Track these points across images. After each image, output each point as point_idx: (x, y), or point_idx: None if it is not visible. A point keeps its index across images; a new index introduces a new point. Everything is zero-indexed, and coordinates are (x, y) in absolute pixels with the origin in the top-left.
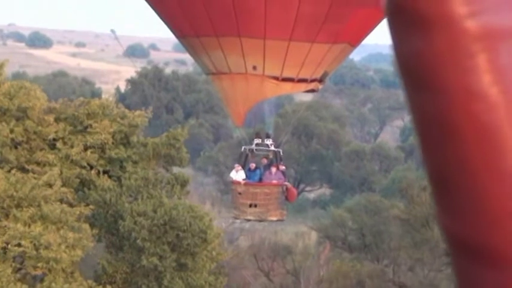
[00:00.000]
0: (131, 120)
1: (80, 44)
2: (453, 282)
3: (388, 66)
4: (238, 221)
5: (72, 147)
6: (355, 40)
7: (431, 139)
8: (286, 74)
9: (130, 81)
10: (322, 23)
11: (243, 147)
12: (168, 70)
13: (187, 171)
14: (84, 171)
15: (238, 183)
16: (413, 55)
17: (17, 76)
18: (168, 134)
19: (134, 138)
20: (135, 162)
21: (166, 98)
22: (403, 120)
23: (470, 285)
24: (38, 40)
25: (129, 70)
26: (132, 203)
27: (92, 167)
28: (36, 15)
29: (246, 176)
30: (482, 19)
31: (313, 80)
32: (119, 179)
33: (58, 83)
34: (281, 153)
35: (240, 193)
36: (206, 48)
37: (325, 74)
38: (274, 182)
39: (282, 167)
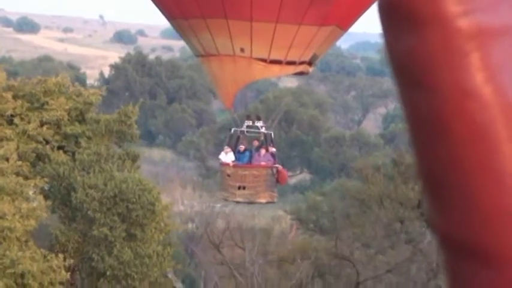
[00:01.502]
0: (86, 98)
1: (67, 29)
2: (444, 282)
3: (375, 55)
4: (218, 205)
5: (29, 123)
6: (344, 23)
7: (424, 138)
8: (274, 56)
9: (114, 67)
10: (309, 5)
11: (232, 129)
12: (154, 56)
13: (169, 155)
14: (40, 146)
15: (227, 165)
16: (406, 53)
17: (3, 61)
18: (120, 111)
19: (89, 115)
20: (89, 138)
21: (149, 83)
22: (386, 107)
23: (464, 286)
24: (26, 25)
25: (116, 56)
26: (84, 177)
27: (47, 142)
28: (24, 0)
29: (236, 158)
30: (476, 18)
31: (302, 63)
32: (73, 154)
33: (43, 67)
34: (272, 135)
35: (228, 175)
36: (194, 30)
37: (314, 57)
38: (263, 163)
39: (272, 149)
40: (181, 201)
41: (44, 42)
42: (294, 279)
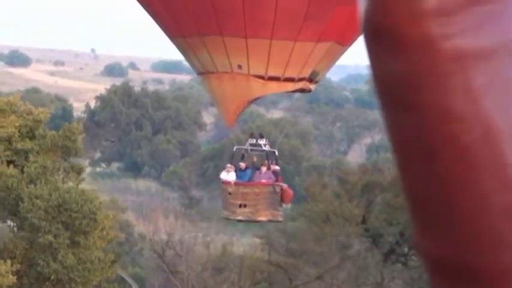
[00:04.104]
0: (35, 116)
1: (58, 63)
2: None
3: (364, 86)
4: (200, 234)
5: None
6: (343, 39)
7: (409, 159)
8: (271, 73)
9: (100, 98)
10: (303, 21)
11: (235, 147)
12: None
13: (154, 186)
14: None
15: (229, 183)
16: (391, 76)
17: None
18: (65, 127)
19: (38, 132)
20: (37, 153)
21: (135, 114)
22: (372, 138)
23: None
24: (17, 58)
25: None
26: (31, 188)
27: None
28: (17, 34)
29: (237, 176)
30: (460, 40)
31: (300, 79)
32: (22, 167)
33: (30, 99)
34: (276, 153)
35: (230, 193)
36: (193, 48)
37: (314, 73)
38: (264, 181)
39: (275, 167)
40: (164, 230)
41: (35, 76)
42: (225, 285)
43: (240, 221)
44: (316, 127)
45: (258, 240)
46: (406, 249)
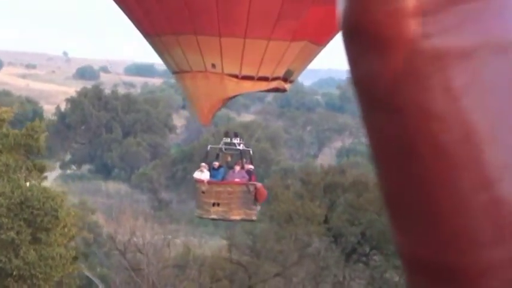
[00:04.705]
0: None
1: (30, 66)
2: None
3: (335, 90)
4: (169, 236)
5: None
6: (318, 38)
7: (389, 159)
8: (245, 72)
9: (70, 101)
10: (276, 20)
11: (209, 146)
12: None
13: (124, 188)
14: None
15: (202, 182)
16: (370, 75)
17: None
18: (28, 126)
19: (1, 131)
20: (0, 151)
21: (105, 117)
22: (343, 142)
23: None
24: None
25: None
26: None
27: None
28: None
29: (210, 175)
30: (439, 39)
31: (274, 78)
32: None
33: (1, 101)
34: (251, 152)
35: (203, 192)
36: (167, 47)
37: (288, 73)
38: (237, 180)
39: (249, 166)
40: (131, 232)
41: (6, 79)
42: (186, 282)
43: (213, 219)
44: (286, 131)
45: (225, 242)
46: (367, 249)
